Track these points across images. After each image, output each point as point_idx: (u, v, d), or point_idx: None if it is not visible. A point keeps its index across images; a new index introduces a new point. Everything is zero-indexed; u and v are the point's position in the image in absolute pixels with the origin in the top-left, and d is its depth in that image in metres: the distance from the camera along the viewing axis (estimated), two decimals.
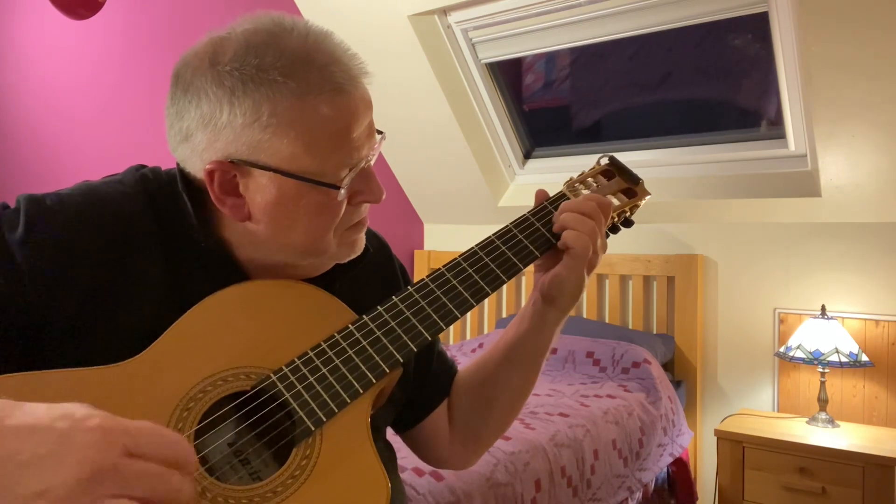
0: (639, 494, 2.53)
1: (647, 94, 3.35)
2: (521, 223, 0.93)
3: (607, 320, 3.33)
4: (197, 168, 0.79)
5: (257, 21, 0.77)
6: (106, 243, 0.77)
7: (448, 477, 1.79)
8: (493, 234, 0.92)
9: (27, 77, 2.57)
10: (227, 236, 0.83)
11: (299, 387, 0.76)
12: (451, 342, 3.76)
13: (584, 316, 3.37)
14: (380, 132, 0.84)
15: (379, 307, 0.83)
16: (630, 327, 3.24)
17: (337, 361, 0.78)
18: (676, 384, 2.99)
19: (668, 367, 3.07)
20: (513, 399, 1.02)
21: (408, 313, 0.83)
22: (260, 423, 0.75)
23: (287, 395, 0.75)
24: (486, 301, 3.68)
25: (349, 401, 0.76)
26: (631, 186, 1.01)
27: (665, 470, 2.82)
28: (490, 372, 1.01)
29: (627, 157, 3.16)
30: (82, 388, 0.70)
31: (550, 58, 3.53)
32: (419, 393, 1.01)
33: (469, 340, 3.40)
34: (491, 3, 3.01)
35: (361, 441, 0.75)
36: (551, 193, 0.99)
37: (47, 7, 2.54)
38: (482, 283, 0.87)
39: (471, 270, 0.88)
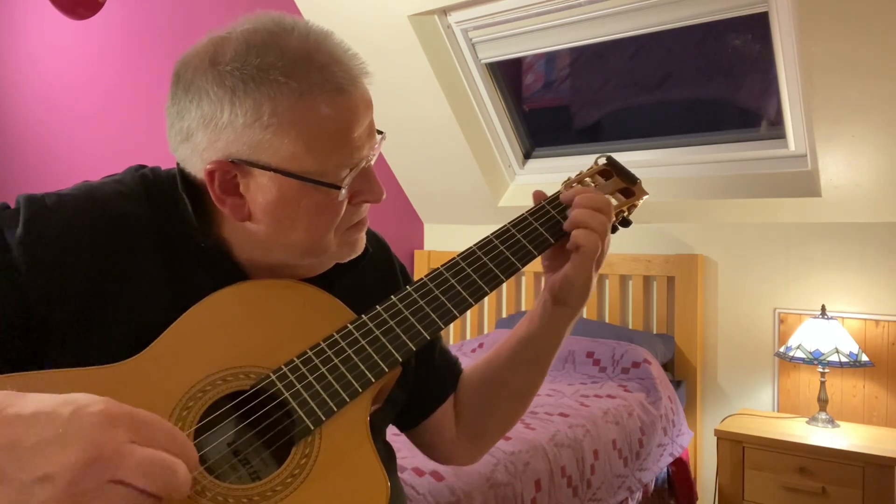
0: (639, 494, 2.53)
1: (647, 94, 3.35)
2: (520, 223, 0.93)
3: (607, 320, 3.33)
4: (197, 168, 0.79)
5: (258, 21, 0.77)
6: (105, 243, 0.77)
7: (448, 477, 1.79)
8: (492, 234, 0.92)
9: (27, 77, 2.57)
10: (226, 236, 0.83)
11: (298, 386, 0.76)
12: (452, 342, 3.75)
13: (584, 316, 3.37)
14: (380, 132, 0.84)
15: (378, 307, 0.83)
16: (630, 327, 3.24)
17: (336, 361, 0.78)
18: (676, 384, 2.99)
19: (668, 367, 3.07)
20: (521, 397, 1.03)
21: (406, 313, 0.83)
22: (259, 423, 0.75)
23: (286, 395, 0.75)
24: (486, 301, 3.68)
25: (348, 400, 0.76)
26: (629, 186, 1.01)
27: (665, 470, 2.82)
28: (499, 370, 1.01)
29: (627, 157, 3.17)
30: (82, 387, 0.69)
31: (550, 58, 3.53)
32: (423, 391, 1.01)
33: (469, 340, 3.40)
34: (491, 3, 3.01)
35: (360, 440, 0.75)
36: (550, 193, 0.99)
37: (47, 7, 2.54)
38: (480, 282, 0.87)
39: (469, 270, 0.88)
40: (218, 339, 0.77)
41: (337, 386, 0.77)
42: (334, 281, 0.89)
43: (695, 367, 3.05)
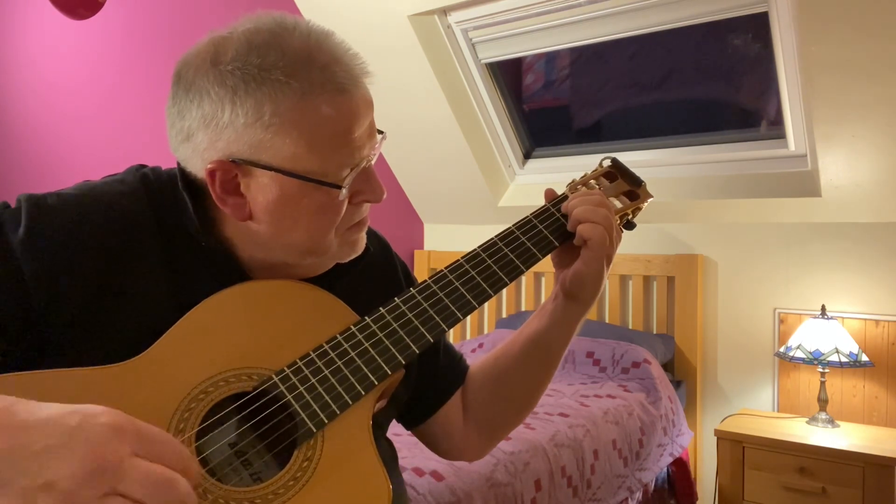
0: (639, 494, 2.53)
1: (647, 94, 3.35)
2: (524, 225, 0.93)
3: (607, 320, 3.33)
4: (198, 168, 0.79)
5: (259, 21, 0.77)
6: (106, 243, 0.77)
7: (448, 477, 1.79)
8: (496, 236, 0.92)
9: (27, 77, 2.57)
10: (228, 235, 0.83)
11: (301, 388, 0.76)
12: (451, 342, 3.75)
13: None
14: (380, 132, 0.84)
15: (381, 308, 0.83)
16: (630, 327, 3.24)
17: (339, 363, 0.78)
18: (676, 384, 2.99)
19: (668, 367, 3.07)
20: (530, 392, 1.03)
21: (410, 315, 0.83)
22: (262, 425, 0.75)
23: (289, 397, 0.75)
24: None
25: (351, 402, 0.76)
26: (633, 189, 1.01)
27: (665, 470, 2.82)
28: (508, 365, 1.02)
29: (627, 157, 3.16)
30: (83, 387, 0.70)
31: (550, 58, 3.53)
32: (428, 388, 1.01)
33: (469, 340, 3.40)
34: (491, 3, 3.01)
35: (363, 443, 0.75)
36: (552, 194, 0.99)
37: (47, 7, 2.54)
38: (484, 285, 0.87)
39: (473, 272, 0.88)
40: (220, 340, 0.77)
41: (340, 388, 0.76)
42: (335, 281, 0.89)
43: (695, 367, 3.05)
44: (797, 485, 2.48)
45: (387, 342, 0.81)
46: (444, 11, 3.12)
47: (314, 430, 0.74)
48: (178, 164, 0.83)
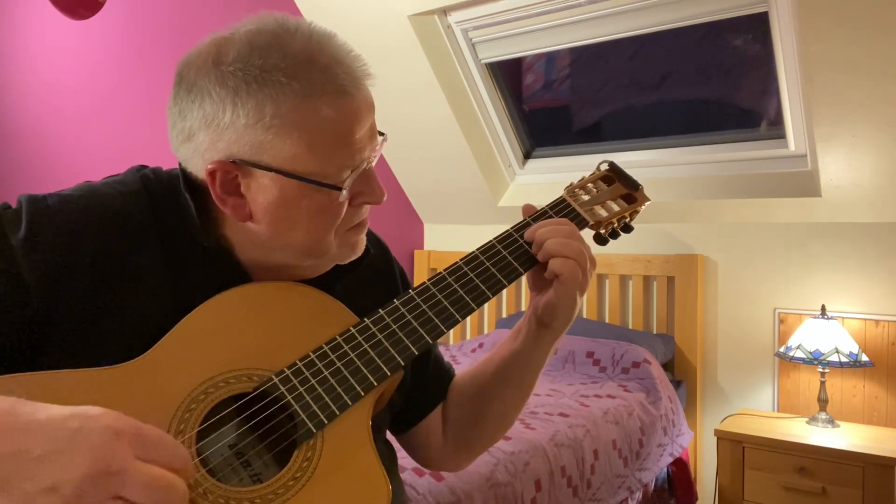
0: (639, 494, 2.53)
1: (647, 94, 3.35)
2: (521, 228, 0.93)
3: (607, 320, 3.33)
4: (199, 168, 0.79)
5: (261, 22, 0.77)
6: (107, 244, 0.77)
7: (448, 477, 1.79)
8: (494, 239, 0.92)
9: (27, 77, 2.57)
10: (228, 236, 0.83)
11: (301, 389, 0.76)
12: (451, 342, 3.76)
13: (584, 316, 3.37)
14: (381, 133, 0.84)
15: (380, 310, 0.84)
16: (630, 327, 3.24)
17: (338, 364, 0.78)
18: (676, 384, 2.99)
19: (668, 367, 3.07)
20: (505, 412, 1.02)
21: (409, 317, 0.83)
22: (261, 425, 0.75)
23: (289, 397, 0.75)
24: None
25: (350, 403, 0.76)
26: (631, 192, 1.01)
27: (665, 470, 2.82)
28: (484, 384, 1.01)
29: (627, 157, 3.17)
30: (84, 388, 0.70)
31: (550, 58, 3.53)
32: (416, 396, 1.01)
33: (469, 340, 3.40)
34: (491, 3, 3.01)
35: (363, 443, 0.75)
36: (551, 195, 0.99)
37: (47, 7, 2.54)
38: (483, 287, 0.87)
39: (472, 275, 0.88)
40: (221, 341, 0.77)
41: (339, 389, 0.77)
42: (335, 282, 0.89)
43: (695, 367, 3.05)
44: (797, 485, 2.48)
45: (386, 343, 0.81)
46: (444, 11, 3.12)
47: (314, 431, 0.74)
48: (180, 164, 0.83)
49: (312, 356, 0.78)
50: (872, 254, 2.72)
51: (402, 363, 0.80)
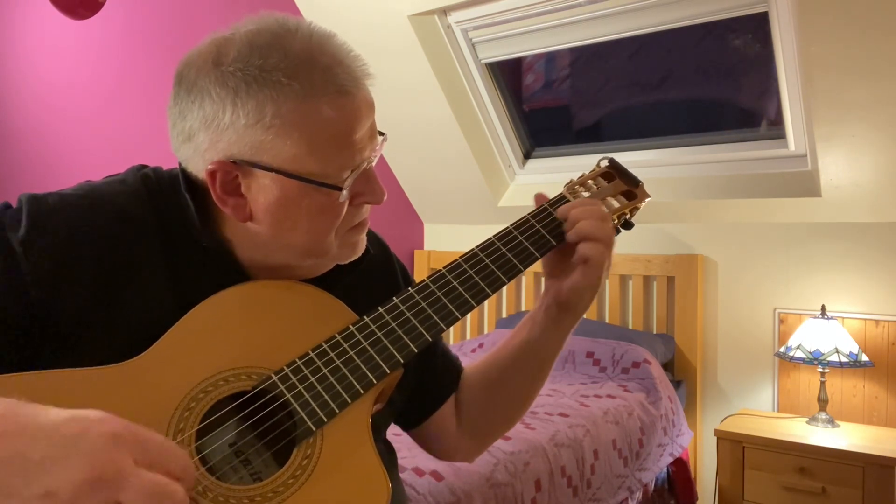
0: (639, 494, 2.53)
1: (647, 94, 3.35)
2: (521, 225, 0.93)
3: (607, 320, 3.33)
4: (199, 168, 0.79)
5: (261, 22, 0.77)
6: (108, 243, 0.77)
7: (448, 477, 1.79)
8: (494, 236, 0.92)
9: (27, 77, 2.57)
10: (228, 236, 0.83)
11: (300, 387, 0.76)
12: (452, 342, 3.75)
13: (584, 316, 3.36)
14: (381, 133, 0.84)
15: (380, 308, 0.84)
16: (630, 327, 3.24)
17: (338, 362, 0.78)
18: (676, 384, 2.99)
19: (668, 367, 3.07)
20: (523, 398, 1.04)
21: (408, 314, 0.83)
22: (261, 424, 0.75)
23: (288, 396, 0.75)
24: (486, 301, 3.67)
25: (350, 401, 0.76)
26: (631, 189, 1.01)
27: (665, 470, 2.82)
28: (500, 372, 1.02)
29: (627, 157, 3.17)
30: (84, 387, 0.70)
31: (550, 58, 3.53)
32: (425, 390, 1.01)
33: (469, 340, 3.40)
34: (491, 3, 3.01)
35: (362, 442, 0.75)
36: (551, 194, 0.99)
37: (47, 7, 2.54)
38: (482, 284, 0.87)
39: (471, 272, 0.88)
40: (220, 339, 0.77)
41: (339, 387, 0.77)
42: (335, 282, 0.89)
43: (695, 367, 3.05)
44: (797, 485, 2.48)
45: (385, 341, 0.81)
46: (444, 11, 3.12)
47: (313, 429, 0.74)
48: (180, 164, 0.83)
49: (312, 354, 0.79)
50: (872, 254, 2.72)
51: (402, 361, 0.80)
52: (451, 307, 0.84)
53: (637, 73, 3.32)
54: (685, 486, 2.85)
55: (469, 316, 3.80)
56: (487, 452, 1.92)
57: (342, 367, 0.78)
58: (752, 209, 2.94)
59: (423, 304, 0.84)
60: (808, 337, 2.62)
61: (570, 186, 1.00)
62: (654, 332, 3.20)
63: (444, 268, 0.88)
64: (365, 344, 0.80)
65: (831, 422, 2.61)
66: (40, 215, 0.76)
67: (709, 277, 3.08)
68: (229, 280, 0.82)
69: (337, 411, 0.75)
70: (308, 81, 0.74)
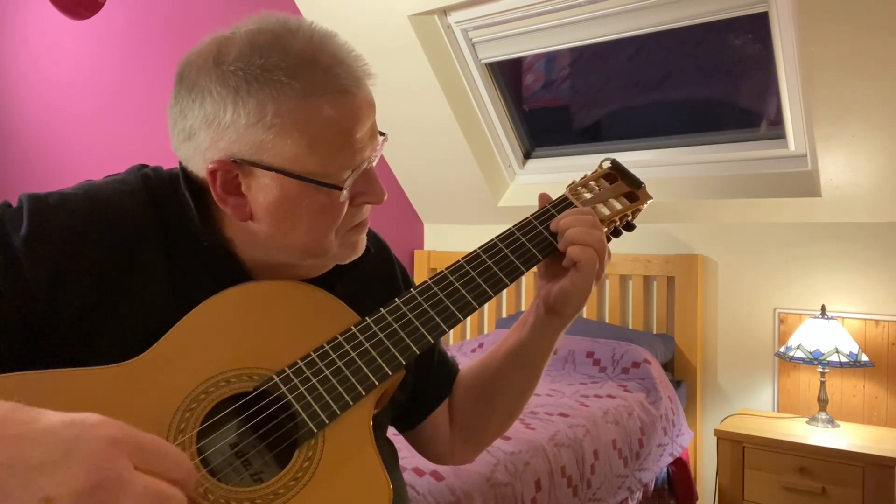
0: (639, 494, 2.53)
1: (647, 94, 3.34)
2: (524, 226, 0.93)
3: (607, 320, 3.33)
4: (199, 167, 0.79)
5: (262, 21, 0.77)
6: (108, 243, 0.77)
7: (448, 477, 1.79)
8: (496, 237, 0.92)
9: (27, 77, 2.57)
10: (229, 236, 0.83)
11: (302, 388, 0.76)
12: (451, 342, 3.75)
13: (584, 316, 3.37)
14: (382, 133, 0.84)
15: (381, 309, 0.83)
16: (630, 327, 3.24)
17: (339, 363, 0.78)
18: (676, 384, 2.99)
19: (668, 367, 3.07)
20: (514, 401, 1.03)
21: (410, 315, 0.83)
22: (262, 425, 0.75)
23: (290, 397, 0.75)
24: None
25: (351, 403, 0.76)
26: (633, 190, 1.01)
27: (665, 470, 2.82)
28: (491, 375, 1.01)
29: (627, 157, 3.17)
30: (85, 387, 0.70)
31: (550, 58, 3.53)
32: (421, 393, 1.01)
33: (469, 340, 3.40)
34: (491, 3, 3.01)
35: (364, 443, 0.75)
36: (553, 195, 0.99)
37: (47, 7, 2.54)
38: (485, 286, 0.87)
39: (473, 273, 0.88)
40: (221, 340, 0.77)
41: (340, 389, 0.76)
42: (336, 282, 0.89)
43: (695, 367, 3.05)
44: (797, 485, 2.48)
45: (387, 343, 0.81)
46: (444, 11, 3.12)
47: (315, 431, 0.74)
48: (180, 163, 0.83)
49: (313, 355, 0.78)
50: (872, 254, 2.72)
51: (404, 362, 0.80)
52: (452, 309, 0.84)
53: (637, 73, 3.32)
54: (685, 486, 2.85)
55: (470, 316, 3.79)
56: (487, 452, 1.92)
57: (344, 368, 0.78)
58: (752, 209, 2.94)
59: (425, 306, 0.84)
60: (808, 337, 2.62)
61: (573, 188, 1.00)
62: (654, 332, 3.20)
63: (446, 269, 0.88)
64: (367, 345, 0.80)
65: (831, 422, 2.61)
66: (41, 215, 0.75)
67: (709, 277, 3.08)
68: (230, 280, 0.81)
69: (339, 413, 0.75)
70: (309, 81, 0.74)
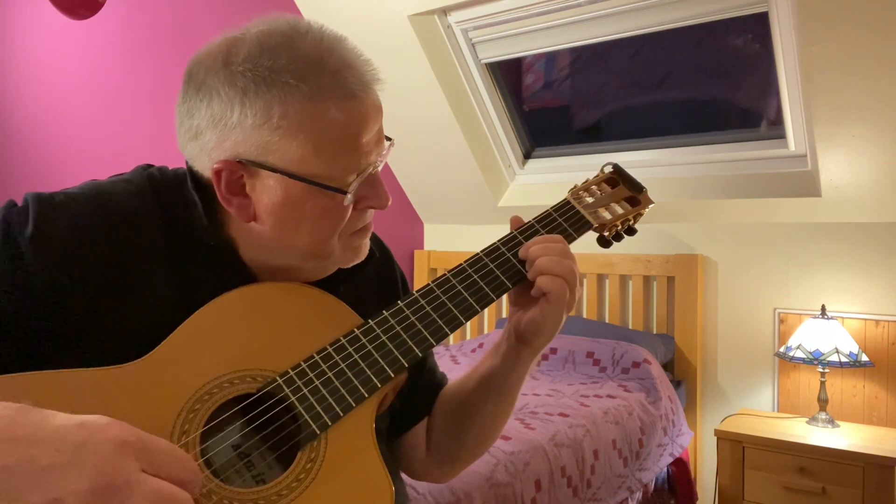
0: (639, 494, 2.54)
1: (647, 94, 3.35)
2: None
3: (607, 320, 3.33)
4: (205, 166, 0.79)
5: (272, 23, 0.78)
6: (114, 242, 0.77)
7: None
8: (498, 241, 0.91)
9: (27, 77, 2.57)
10: (233, 236, 0.84)
11: (305, 390, 0.76)
12: (452, 342, 3.75)
13: (584, 316, 3.37)
14: (388, 139, 0.84)
15: (385, 312, 0.83)
16: (630, 327, 3.24)
17: (342, 366, 0.78)
18: (676, 384, 2.99)
19: (668, 367, 3.07)
20: (487, 427, 1.00)
21: (413, 318, 0.83)
22: (265, 427, 0.75)
23: (293, 399, 0.75)
24: None
25: (354, 405, 0.76)
26: (635, 195, 1.01)
27: (665, 470, 2.82)
28: (465, 399, 0.99)
29: (627, 157, 3.17)
30: (89, 388, 0.70)
31: (550, 58, 3.53)
32: (404, 408, 1.00)
33: (469, 340, 3.40)
34: (491, 3, 3.01)
35: (366, 445, 0.75)
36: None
37: (47, 7, 2.54)
38: (487, 289, 0.87)
39: (476, 276, 0.88)
40: (225, 341, 0.77)
41: (343, 391, 0.77)
42: (339, 285, 0.89)
43: (695, 367, 3.05)
44: (797, 485, 2.48)
45: (390, 345, 0.81)
46: (444, 11, 3.12)
47: (317, 432, 0.74)
48: (187, 163, 0.83)
49: (316, 357, 0.78)
50: (872, 254, 2.72)
51: (406, 365, 0.80)
52: (455, 312, 0.84)
53: (637, 73, 3.32)
54: (685, 486, 2.85)
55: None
56: (488, 453, 1.92)
57: (347, 370, 0.78)
58: (752, 209, 2.94)
59: (428, 309, 0.84)
60: (808, 337, 2.62)
61: (575, 192, 1.00)
62: (654, 332, 3.20)
63: (449, 272, 0.88)
64: (370, 348, 0.80)
65: (831, 422, 2.62)
66: (47, 214, 0.76)
67: (709, 277, 3.09)
68: (234, 281, 0.82)
69: (341, 415, 0.75)
70: (316, 84, 0.74)
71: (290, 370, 0.77)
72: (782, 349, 2.71)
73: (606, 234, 0.99)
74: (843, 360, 2.52)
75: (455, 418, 1.01)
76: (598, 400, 2.59)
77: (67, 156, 2.66)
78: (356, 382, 0.77)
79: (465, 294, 0.86)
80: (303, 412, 0.75)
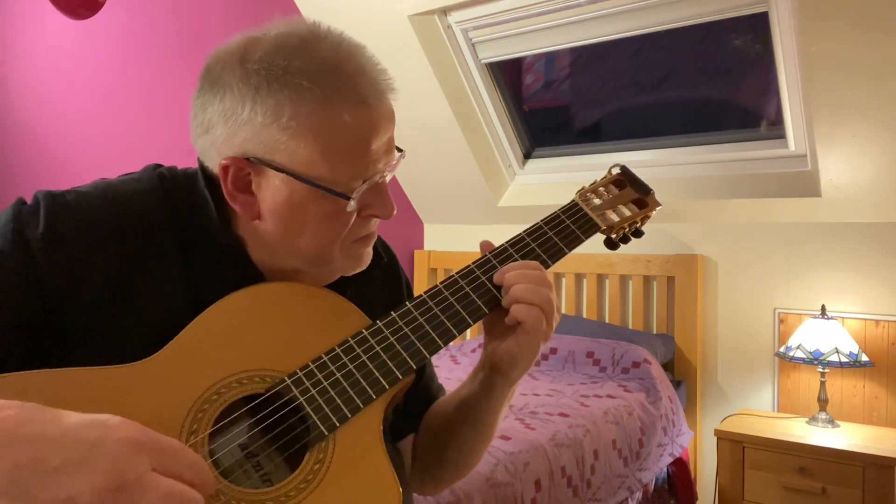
0: (639, 494, 2.54)
1: (647, 94, 3.35)
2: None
3: (607, 320, 3.33)
4: (214, 162, 0.80)
5: (292, 25, 0.78)
6: (124, 240, 0.77)
7: None
8: (506, 243, 0.91)
9: (27, 77, 2.56)
10: (242, 235, 0.84)
11: (313, 391, 0.76)
12: (452, 342, 3.75)
13: (584, 316, 3.37)
14: (399, 150, 0.84)
15: (393, 313, 0.83)
16: (630, 327, 3.24)
17: (351, 367, 0.78)
18: (676, 384, 2.99)
19: (668, 367, 3.07)
20: (464, 455, 0.99)
21: (421, 320, 0.83)
22: (273, 427, 0.75)
23: (301, 400, 0.75)
24: None
25: (362, 406, 0.76)
26: (642, 197, 1.01)
27: (665, 470, 2.82)
28: (445, 422, 0.98)
29: (627, 158, 3.18)
30: (97, 387, 0.70)
31: (550, 58, 3.53)
32: (395, 418, 0.98)
33: (469, 340, 3.40)
34: (491, 3, 3.01)
35: (374, 447, 0.75)
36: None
37: (47, 7, 2.54)
38: (495, 290, 0.87)
39: (484, 278, 0.88)
40: (234, 341, 0.77)
41: (352, 392, 0.77)
42: (347, 287, 0.89)
43: (695, 367, 3.05)
44: (797, 485, 2.49)
45: (398, 347, 0.81)
46: (444, 11, 3.12)
47: (325, 434, 0.74)
48: (199, 160, 0.84)
49: (325, 358, 0.78)
50: (872, 254, 2.73)
51: (414, 367, 0.80)
52: (463, 313, 0.84)
53: (637, 73, 3.33)
54: (685, 486, 2.85)
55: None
56: (488, 452, 1.92)
57: (355, 371, 0.78)
58: (753, 209, 2.94)
59: (436, 310, 0.84)
60: (808, 337, 2.62)
61: (582, 194, 1.00)
62: (654, 332, 3.21)
63: (458, 273, 0.88)
64: (378, 349, 0.80)
65: (831, 422, 2.62)
66: (58, 212, 0.76)
67: (709, 277, 3.09)
68: (244, 280, 0.82)
69: (349, 416, 0.75)
70: (329, 88, 0.75)
71: (298, 370, 0.77)
72: (782, 349, 2.71)
73: (614, 236, 0.99)
74: (843, 360, 2.52)
75: (435, 441, 1.00)
76: (598, 400, 2.59)
77: (67, 155, 2.66)
78: (364, 384, 0.77)
79: (473, 296, 0.86)
80: (311, 413, 0.75)
